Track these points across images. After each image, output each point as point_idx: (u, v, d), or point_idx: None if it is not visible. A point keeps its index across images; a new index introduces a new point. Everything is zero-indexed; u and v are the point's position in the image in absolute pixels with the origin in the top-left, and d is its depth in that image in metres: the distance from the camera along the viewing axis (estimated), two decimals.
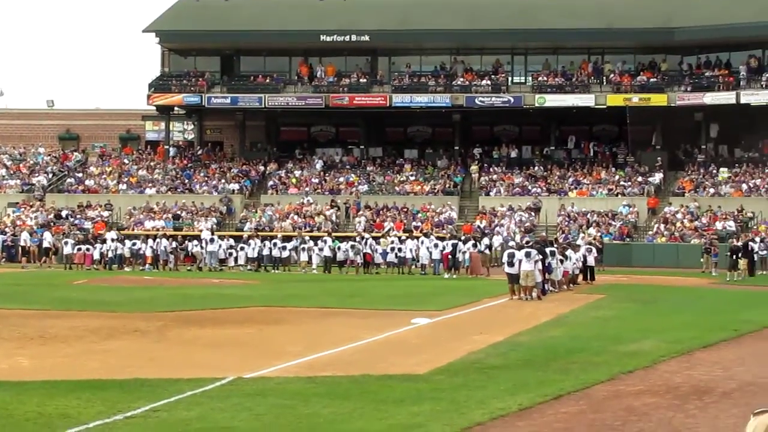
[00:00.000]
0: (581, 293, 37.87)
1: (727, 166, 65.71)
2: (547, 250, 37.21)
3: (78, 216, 63.76)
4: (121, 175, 69.85)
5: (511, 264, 34.63)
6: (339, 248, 52.25)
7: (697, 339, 23.29)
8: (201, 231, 57.06)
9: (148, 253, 53.60)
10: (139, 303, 32.24)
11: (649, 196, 63.34)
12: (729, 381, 17.64)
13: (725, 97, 64.30)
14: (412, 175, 68.51)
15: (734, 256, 46.40)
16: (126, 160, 72.96)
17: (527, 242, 38.06)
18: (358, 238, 52.92)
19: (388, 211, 62.82)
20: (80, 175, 70.71)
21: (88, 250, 53.75)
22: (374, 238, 53.74)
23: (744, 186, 62.62)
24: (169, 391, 15.74)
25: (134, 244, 54.28)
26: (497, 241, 55.48)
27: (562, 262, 38.93)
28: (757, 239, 51.51)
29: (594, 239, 52.52)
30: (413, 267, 51.36)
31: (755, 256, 48.69)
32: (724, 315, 29.21)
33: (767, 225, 57.34)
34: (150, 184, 68.32)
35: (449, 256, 48.81)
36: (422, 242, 51.23)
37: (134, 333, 24.26)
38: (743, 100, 63.84)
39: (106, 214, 64.10)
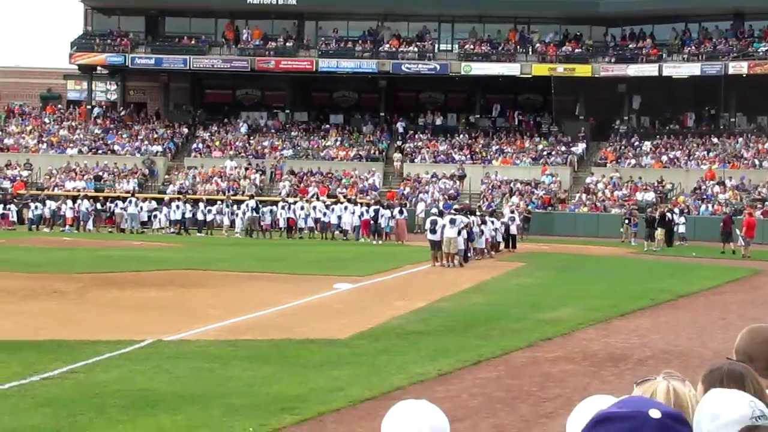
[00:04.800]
0: (503, 261, 38.10)
1: (648, 138, 66.44)
2: (471, 218, 37.60)
3: None
4: (41, 135, 68.73)
5: (433, 231, 34.67)
6: (262, 213, 52.33)
7: (614, 307, 23.59)
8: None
9: (69, 214, 53.04)
10: (58, 264, 31.92)
11: (572, 165, 63.84)
12: (644, 348, 17.93)
13: (648, 69, 64.90)
14: (337, 141, 68.32)
15: (651, 226, 46.87)
16: (47, 120, 71.78)
17: (453, 210, 38.18)
18: (282, 203, 52.76)
19: (312, 176, 62.67)
20: None
21: (7, 209, 52.88)
22: (297, 203, 53.46)
23: (664, 158, 63.36)
24: (87, 352, 15.63)
25: (51, 206, 53.68)
26: (420, 207, 55.88)
27: (484, 230, 39.26)
28: (677, 210, 52.07)
29: (520, 209, 53.03)
30: (336, 232, 51.50)
31: (674, 226, 49.15)
32: (641, 284, 29.53)
33: (686, 196, 58.09)
34: (71, 145, 67.32)
35: (371, 222, 49.13)
36: (346, 208, 51.34)
37: (53, 294, 24.07)
38: (665, 73, 64.50)
39: (25, 174, 63.03)
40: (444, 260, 34.54)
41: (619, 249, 46.06)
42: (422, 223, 52.97)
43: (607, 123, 68.33)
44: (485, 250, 39.68)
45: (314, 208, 52.38)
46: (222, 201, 54.67)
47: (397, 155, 65.03)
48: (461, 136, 68.56)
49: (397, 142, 67.46)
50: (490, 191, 60.38)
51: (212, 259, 34.98)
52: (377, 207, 49.98)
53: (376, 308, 22.78)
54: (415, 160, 65.76)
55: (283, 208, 52.31)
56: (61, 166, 64.06)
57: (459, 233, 34.70)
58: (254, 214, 51.70)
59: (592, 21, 69.58)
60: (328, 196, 57.78)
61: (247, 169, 63.44)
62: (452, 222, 34.50)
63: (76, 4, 72.60)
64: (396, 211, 49.60)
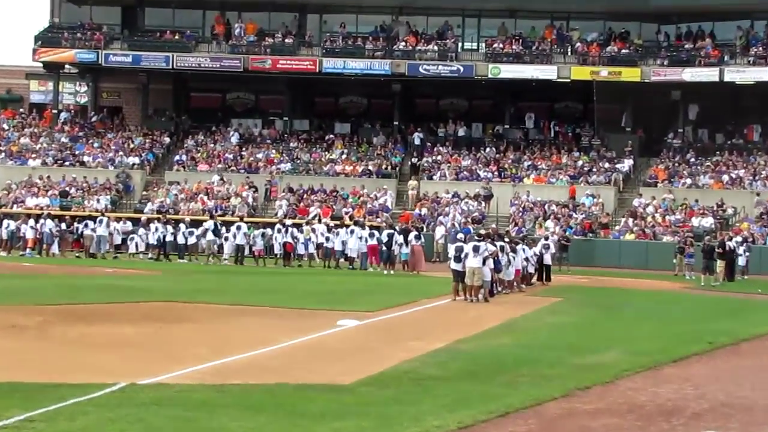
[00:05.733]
0: (535, 295, 38.00)
1: (706, 154, 66.06)
2: (498, 244, 37.34)
3: None
4: None
5: (458, 259, 34.66)
6: (254, 236, 52.55)
7: (665, 352, 23.53)
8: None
9: (30, 235, 52.94)
10: (16, 294, 31.80)
11: (616, 185, 63.72)
12: (700, 401, 17.86)
13: (707, 74, 64.62)
14: (343, 154, 68.34)
15: (709, 257, 46.70)
16: (6, 126, 71.95)
17: (477, 235, 37.97)
18: (278, 226, 52.75)
19: (314, 194, 62.66)
20: None
21: None
22: (296, 225, 53.61)
23: (725, 177, 63.02)
24: (49, 398, 15.55)
25: (8, 226, 53.86)
26: (439, 232, 55.90)
27: (514, 258, 39.04)
28: (738, 238, 51.65)
29: (555, 234, 53.09)
30: (341, 260, 51.51)
31: (736, 257, 48.81)
32: (697, 325, 29.47)
33: (750, 222, 57.79)
34: (34, 155, 67.45)
35: (382, 249, 49.26)
36: (352, 232, 51.17)
37: (11, 329, 23.97)
38: (727, 78, 64.12)
39: None
40: (466, 294, 34.42)
41: (671, 283, 45.98)
42: (442, 250, 54.14)
43: (658, 136, 68.36)
44: (514, 283, 39.63)
45: (315, 231, 52.36)
46: (208, 222, 54.28)
47: (412, 182, 64.87)
48: (488, 149, 68.63)
49: (413, 159, 67.56)
50: (520, 214, 60.43)
51: (196, 290, 34.86)
52: (389, 231, 50.04)
53: (387, 349, 22.79)
54: (434, 177, 65.76)
55: (279, 231, 52.21)
56: (21, 179, 64.31)
57: (484, 263, 34.39)
58: (246, 238, 52.00)
59: (642, 17, 69.63)
60: (332, 218, 57.76)
61: (238, 185, 63.57)
62: (476, 249, 34.20)
63: None
64: (411, 236, 49.58)
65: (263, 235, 52.64)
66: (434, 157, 67.91)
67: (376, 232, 50.53)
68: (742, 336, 26.99)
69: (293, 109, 73.43)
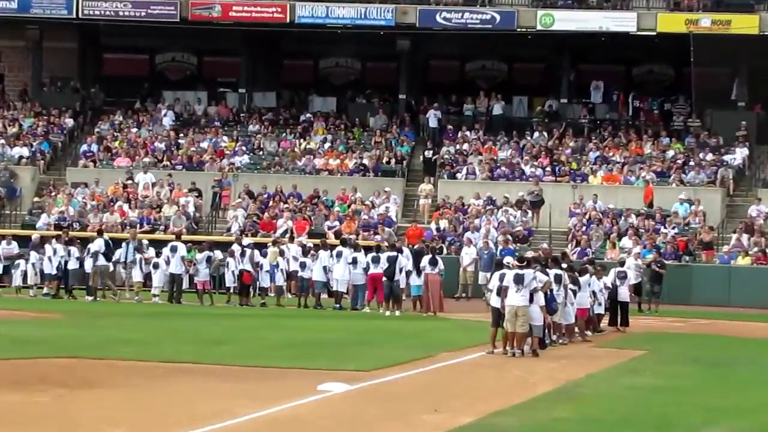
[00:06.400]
0: (606, 346, 37.99)
1: None
2: (551, 272, 37.11)
3: None
4: None
5: (501, 293, 34.55)
6: (196, 262, 52.34)
7: None
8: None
9: None
10: None
11: (724, 186, 63.75)
12: None
13: None
14: (325, 142, 68.53)
15: None
16: None
17: (520, 260, 37.49)
18: (233, 247, 52.72)
19: (283, 201, 62.70)
20: None
21: None
22: (258, 246, 53.68)
23: None
24: None
25: None
26: (470, 255, 55.90)
27: (575, 293, 38.95)
28: None
29: (637, 257, 53.41)
30: (323, 296, 51.47)
31: None
32: None
33: None
34: None
35: (383, 279, 48.98)
36: (339, 255, 50.83)
37: None
38: None
39: None
40: (506, 345, 34.14)
41: None
42: (471, 281, 54.82)
43: None
44: (575, 329, 39.57)
45: (285, 254, 52.53)
46: (96, 242, 53.62)
47: (426, 186, 64.75)
48: (536, 134, 68.82)
49: (427, 150, 67.73)
50: (584, 228, 60.57)
51: (112, 341, 34.64)
52: (393, 254, 49.61)
53: (389, 426, 22.71)
54: (458, 176, 65.94)
55: (233, 254, 52.19)
56: None
57: (531, 299, 34.21)
58: (184, 265, 52.03)
59: None
60: (310, 236, 57.73)
61: (172, 187, 63.64)
62: (519, 281, 34.04)
63: None
64: (425, 261, 49.33)
65: (210, 260, 52.48)
66: (458, 147, 68.05)
67: (374, 256, 49.81)
68: None
69: (253, 78, 73.88)
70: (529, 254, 41.72)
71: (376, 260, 49.68)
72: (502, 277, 34.58)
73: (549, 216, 61.98)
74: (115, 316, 44.79)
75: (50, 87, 74.08)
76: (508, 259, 37.68)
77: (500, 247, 55.47)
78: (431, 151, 67.76)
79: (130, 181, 64.90)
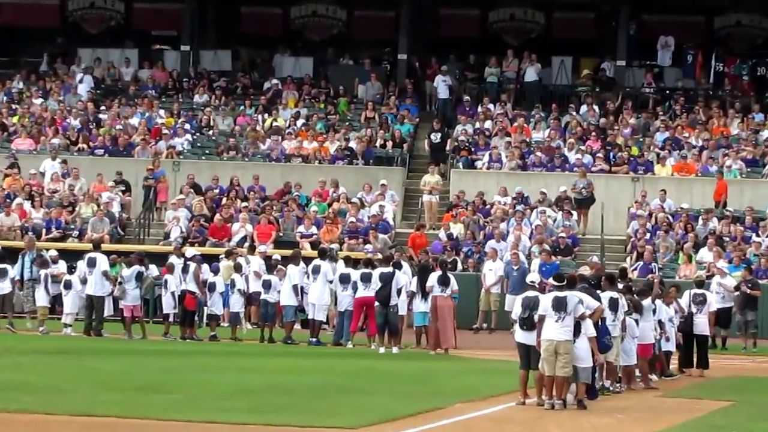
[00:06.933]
0: (677, 396, 36.43)
1: None
2: (605, 296, 34.58)
3: None
4: None
5: (529, 324, 31.84)
6: (122, 280, 49.31)
7: None
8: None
9: None
10: None
11: None
12: None
13: None
14: (298, 118, 66.90)
15: None
16: None
17: (557, 279, 33.37)
18: (172, 260, 49.75)
19: (241, 198, 61.19)
20: None
21: None
22: (207, 258, 51.61)
23: None
24: None
25: None
26: (494, 272, 53.05)
27: (636, 324, 37.06)
28: None
29: (721, 275, 51.26)
30: (295, 326, 49.29)
31: None
32: None
33: None
34: None
35: (376, 305, 45.74)
36: (317, 271, 47.82)
37: None
38: None
39: None
40: (544, 392, 31.56)
41: None
42: (496, 307, 53.07)
43: None
44: (636, 372, 37.67)
45: (243, 270, 50.04)
46: (26, 252, 52.59)
47: (433, 178, 62.23)
48: (583, 108, 67.21)
49: (434, 130, 64.35)
50: (648, 235, 57.62)
51: (9, 386, 32.27)
52: (389, 271, 45.76)
53: None
54: (478, 164, 63.28)
55: (172, 270, 49.65)
56: None
57: (577, 332, 31.53)
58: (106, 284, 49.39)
59: None
60: (277, 245, 56.08)
61: (92, 180, 62.72)
62: (560, 307, 31.09)
63: None
64: (433, 280, 45.51)
65: (141, 277, 49.53)
66: (477, 125, 65.60)
67: (364, 272, 46.69)
68: None
69: (201, 30, 72.88)
70: (581, 272, 39.11)
71: (366, 279, 46.56)
72: (527, 303, 32.54)
73: (601, 219, 59.86)
74: (11, 354, 42.29)
75: None
76: (532, 277, 35.85)
77: (539, 262, 52.32)
78: (440, 132, 64.69)
79: (33, 171, 62.42)
